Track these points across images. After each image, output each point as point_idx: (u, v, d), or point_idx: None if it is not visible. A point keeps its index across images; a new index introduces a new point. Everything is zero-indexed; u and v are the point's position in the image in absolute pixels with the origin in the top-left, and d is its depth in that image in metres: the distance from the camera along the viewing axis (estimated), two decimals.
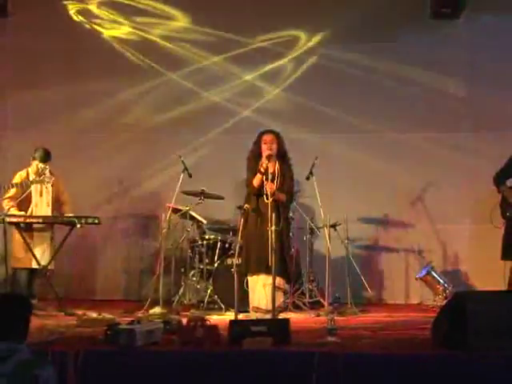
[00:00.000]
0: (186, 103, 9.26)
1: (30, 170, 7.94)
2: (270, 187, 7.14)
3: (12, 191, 7.84)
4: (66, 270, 8.56)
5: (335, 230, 8.01)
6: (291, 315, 7.19)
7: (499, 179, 7.12)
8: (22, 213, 7.72)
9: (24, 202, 7.78)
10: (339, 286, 8.09)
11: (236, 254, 7.40)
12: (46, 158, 7.85)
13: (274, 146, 7.36)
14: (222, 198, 8.47)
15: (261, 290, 7.22)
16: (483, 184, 8.10)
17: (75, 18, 9.33)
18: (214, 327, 5.69)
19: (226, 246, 8.28)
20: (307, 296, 8.16)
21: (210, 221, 8.62)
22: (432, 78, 8.98)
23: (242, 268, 7.31)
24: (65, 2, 9.27)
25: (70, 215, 7.82)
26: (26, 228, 7.71)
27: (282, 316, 6.89)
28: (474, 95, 8.89)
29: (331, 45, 9.15)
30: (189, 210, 8.16)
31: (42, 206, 7.89)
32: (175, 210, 8.09)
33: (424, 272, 8.33)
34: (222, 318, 6.87)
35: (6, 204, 7.77)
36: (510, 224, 7.05)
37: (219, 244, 8.27)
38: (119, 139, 9.18)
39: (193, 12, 9.21)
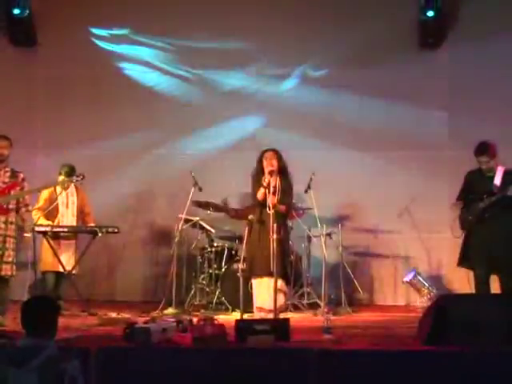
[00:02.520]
0: (196, 124, 9.29)
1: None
2: (271, 200, 7.17)
3: (40, 203, 7.89)
4: (88, 274, 8.57)
5: (330, 238, 8.02)
6: (291, 315, 7.19)
7: (460, 198, 7.13)
8: (50, 222, 7.76)
9: (52, 213, 7.82)
10: (334, 289, 8.11)
11: (241, 260, 7.42)
12: (71, 173, 7.89)
13: (275, 162, 7.38)
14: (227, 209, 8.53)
15: (264, 292, 7.22)
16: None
17: (100, 47, 9.40)
18: (222, 326, 5.70)
19: (233, 252, 8.29)
20: (305, 298, 8.17)
21: (217, 230, 8.64)
22: (417, 102, 9.00)
23: (246, 272, 7.33)
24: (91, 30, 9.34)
25: (93, 225, 7.87)
26: (54, 236, 7.74)
27: (282, 316, 6.88)
28: (455, 118, 8.91)
29: (325, 69, 9.17)
30: (199, 220, 8.20)
31: (67, 217, 7.93)
32: (187, 220, 8.11)
33: (410, 276, 8.32)
34: (229, 318, 6.87)
35: (35, 214, 7.80)
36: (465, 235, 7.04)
37: (226, 251, 8.28)
38: (137, 157, 9.21)
39: (207, 45, 9.23)
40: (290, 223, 7.91)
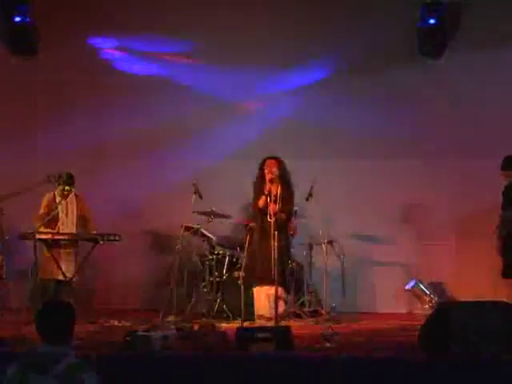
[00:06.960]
0: (197, 132, 9.30)
1: (56, 192, 7.98)
2: (272, 208, 7.18)
3: (40, 212, 7.90)
4: (89, 281, 8.56)
5: (332, 246, 8.03)
6: (292, 323, 7.19)
7: None
8: (50, 230, 7.77)
9: (52, 221, 7.83)
10: (335, 297, 8.10)
11: (242, 268, 7.42)
12: (70, 181, 7.89)
13: (276, 170, 7.39)
14: (229, 217, 8.52)
15: (265, 299, 7.23)
16: (465, 206, 8.12)
17: (100, 54, 9.42)
18: (223, 333, 5.71)
19: (234, 260, 8.28)
20: (307, 305, 8.17)
21: (219, 237, 8.63)
22: (417, 109, 9.02)
23: (247, 280, 7.33)
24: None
25: (94, 233, 7.87)
26: (54, 244, 7.75)
27: (284, 323, 6.88)
28: (455, 126, 8.92)
29: (324, 77, 9.18)
30: (200, 227, 8.20)
31: (67, 224, 7.93)
32: (188, 228, 8.11)
33: (412, 284, 8.32)
34: (230, 326, 6.86)
35: (35, 223, 7.81)
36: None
37: (227, 258, 8.26)
38: (138, 164, 9.21)
39: (209, 49, 9.25)
40: (291, 231, 7.91)
